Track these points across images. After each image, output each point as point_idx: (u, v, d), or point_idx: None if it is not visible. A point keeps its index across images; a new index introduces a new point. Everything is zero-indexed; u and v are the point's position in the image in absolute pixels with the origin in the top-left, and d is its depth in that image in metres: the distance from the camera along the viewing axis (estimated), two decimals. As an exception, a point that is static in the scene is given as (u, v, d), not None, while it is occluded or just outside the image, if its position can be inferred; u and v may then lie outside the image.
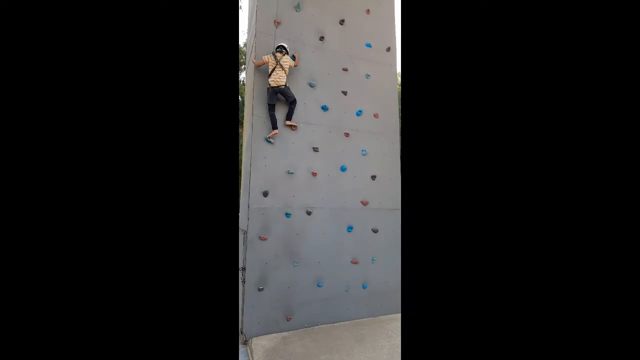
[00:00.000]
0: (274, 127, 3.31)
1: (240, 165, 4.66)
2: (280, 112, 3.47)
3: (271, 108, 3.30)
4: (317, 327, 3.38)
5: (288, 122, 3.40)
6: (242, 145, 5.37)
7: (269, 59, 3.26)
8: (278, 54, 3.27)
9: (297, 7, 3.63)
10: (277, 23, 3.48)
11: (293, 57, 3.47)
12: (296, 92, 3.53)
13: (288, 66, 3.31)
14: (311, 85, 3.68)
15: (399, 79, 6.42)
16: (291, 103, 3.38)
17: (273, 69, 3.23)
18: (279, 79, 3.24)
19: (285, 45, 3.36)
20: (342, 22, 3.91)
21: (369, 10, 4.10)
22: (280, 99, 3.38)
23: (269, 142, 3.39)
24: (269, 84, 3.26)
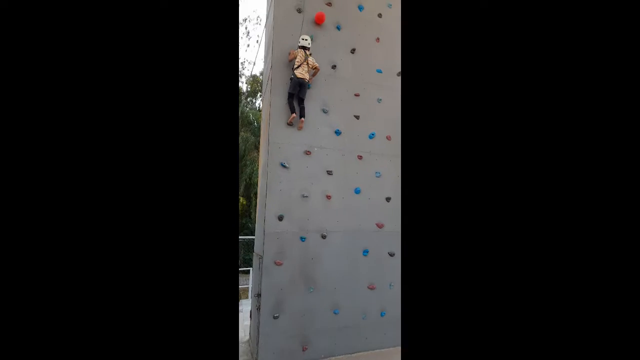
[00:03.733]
0: (292, 111, 3.57)
1: (257, 188, 4.77)
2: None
3: (290, 96, 3.59)
4: (334, 357, 3.24)
5: (303, 120, 3.61)
6: (258, 170, 5.51)
7: (297, 53, 3.60)
8: (306, 52, 3.63)
9: (311, 40, 3.84)
10: (291, 54, 3.67)
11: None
12: (310, 117, 3.65)
13: (312, 65, 3.64)
14: (324, 111, 3.79)
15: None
16: (302, 102, 3.63)
17: (300, 65, 3.57)
18: (305, 73, 3.57)
19: (308, 45, 3.65)
20: (353, 50, 4.08)
21: (378, 39, 4.27)
22: (298, 92, 3.62)
23: (283, 166, 3.46)
24: (295, 75, 3.55)
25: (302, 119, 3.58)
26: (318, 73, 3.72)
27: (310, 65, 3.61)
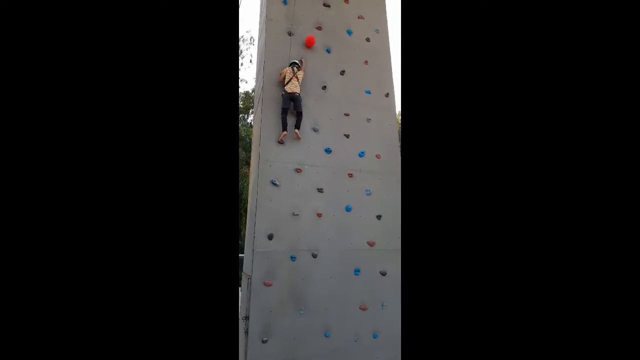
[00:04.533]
0: (284, 128, 3.62)
1: (247, 204, 4.72)
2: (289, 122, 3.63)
3: (284, 112, 3.67)
4: (325, 384, 3.10)
5: (297, 131, 3.67)
6: (248, 186, 5.47)
7: (287, 70, 3.75)
8: (295, 68, 3.79)
9: (299, 61, 3.97)
10: (281, 74, 3.76)
11: (301, 62, 3.93)
12: (301, 136, 3.69)
13: (301, 77, 3.82)
14: (315, 130, 3.85)
15: (399, 118, 6.68)
16: (299, 114, 3.71)
17: (290, 80, 3.71)
18: (294, 87, 3.70)
19: (298, 62, 3.84)
20: (342, 72, 4.22)
21: (367, 62, 4.45)
22: (291, 107, 3.71)
23: (273, 184, 3.45)
24: (285, 91, 3.69)
25: (297, 130, 3.65)
26: (305, 80, 3.88)
27: (299, 79, 3.74)
